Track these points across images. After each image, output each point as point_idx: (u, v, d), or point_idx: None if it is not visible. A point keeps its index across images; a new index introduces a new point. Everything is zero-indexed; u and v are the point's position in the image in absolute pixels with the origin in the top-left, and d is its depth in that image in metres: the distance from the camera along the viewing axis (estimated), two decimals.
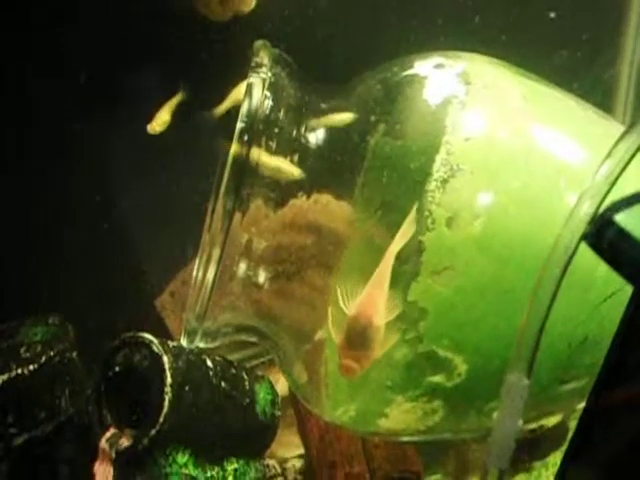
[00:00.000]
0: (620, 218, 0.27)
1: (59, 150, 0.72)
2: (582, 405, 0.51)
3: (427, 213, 0.45)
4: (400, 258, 0.45)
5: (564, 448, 0.61)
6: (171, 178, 0.78)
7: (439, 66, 0.50)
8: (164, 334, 0.75)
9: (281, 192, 0.49)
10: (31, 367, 0.52)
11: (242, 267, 0.50)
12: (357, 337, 0.44)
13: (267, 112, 0.47)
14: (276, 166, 0.48)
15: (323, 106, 0.51)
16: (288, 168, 0.49)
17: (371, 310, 0.44)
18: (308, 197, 0.50)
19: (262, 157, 0.48)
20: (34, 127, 0.70)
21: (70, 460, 0.55)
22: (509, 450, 0.30)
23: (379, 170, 0.48)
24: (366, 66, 0.53)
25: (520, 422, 0.31)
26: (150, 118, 0.72)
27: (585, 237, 0.29)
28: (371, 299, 0.44)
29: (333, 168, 0.50)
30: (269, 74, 0.47)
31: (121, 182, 0.78)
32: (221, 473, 0.54)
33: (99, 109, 0.72)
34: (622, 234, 0.27)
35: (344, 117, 0.50)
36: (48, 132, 0.71)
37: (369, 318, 0.44)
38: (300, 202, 0.49)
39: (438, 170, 0.45)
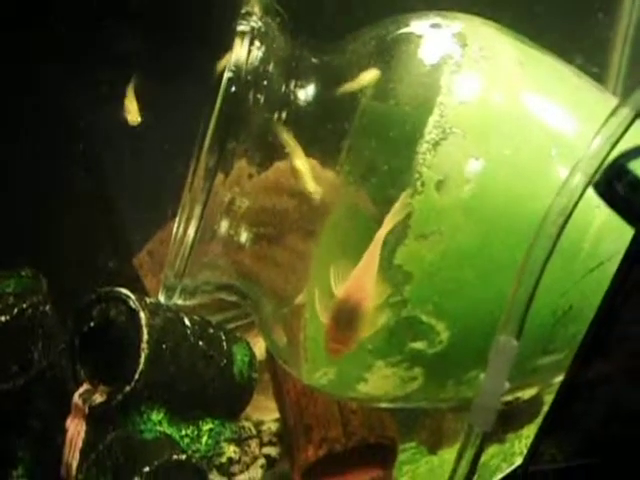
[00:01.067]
0: (634, 166, 0.27)
1: (41, 110, 0.70)
2: (559, 379, 0.51)
3: (417, 175, 0.44)
4: None
5: (538, 421, 0.61)
6: (153, 137, 0.77)
7: (435, 26, 0.49)
8: (141, 293, 0.74)
9: (266, 153, 0.48)
10: (2, 319, 0.51)
11: (224, 226, 0.49)
12: (345, 319, 0.44)
13: (256, 63, 0.45)
14: (302, 171, 0.47)
15: (314, 61, 0.49)
16: (309, 181, 0.47)
17: (360, 294, 0.44)
18: None
19: (297, 155, 0.46)
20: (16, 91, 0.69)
21: (42, 414, 0.54)
22: (494, 412, 0.30)
23: (368, 131, 0.47)
24: (360, 23, 0.51)
25: (506, 385, 0.30)
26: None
27: (594, 186, 0.28)
28: (360, 282, 0.44)
29: (321, 128, 0.48)
30: (259, 23, 0.46)
31: (102, 141, 0.77)
32: (196, 432, 0.54)
33: (80, 70, 0.70)
34: (637, 182, 0.26)
35: (372, 75, 0.47)
36: (30, 94, 0.69)
37: (358, 301, 0.44)
38: (284, 165, 0.48)
39: (430, 132, 0.44)
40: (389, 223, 0.44)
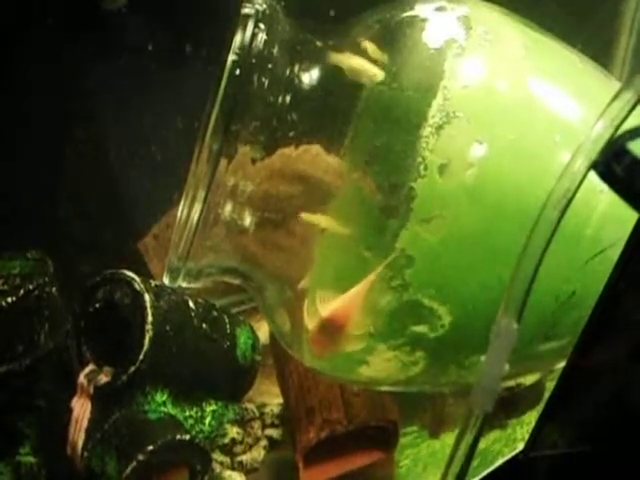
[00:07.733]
0: (634, 146, 0.26)
1: (45, 90, 0.70)
2: (561, 365, 0.51)
3: (420, 159, 0.44)
4: (390, 206, 0.45)
5: (540, 407, 0.62)
6: (160, 120, 0.77)
7: (440, 9, 0.48)
8: (146, 276, 0.74)
9: (270, 137, 0.48)
10: (9, 299, 0.51)
11: (227, 210, 0.50)
12: (328, 335, 0.46)
13: (261, 46, 0.45)
14: (357, 66, 0.46)
15: (318, 45, 0.49)
16: (371, 69, 0.46)
17: (344, 319, 0.45)
18: (297, 147, 0.48)
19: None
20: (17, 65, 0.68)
21: (48, 394, 0.55)
22: (494, 394, 0.30)
23: (372, 116, 0.47)
24: (365, 6, 0.51)
25: (507, 367, 0.31)
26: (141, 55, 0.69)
27: (594, 166, 0.28)
28: (346, 309, 0.45)
29: (325, 112, 0.48)
30: (264, 6, 0.45)
31: (109, 124, 0.77)
32: (199, 413, 0.55)
33: (90, 51, 0.70)
34: (637, 162, 0.26)
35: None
36: (35, 69, 0.69)
37: (341, 326, 0.45)
38: (289, 151, 0.48)
39: (434, 116, 0.44)
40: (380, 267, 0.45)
